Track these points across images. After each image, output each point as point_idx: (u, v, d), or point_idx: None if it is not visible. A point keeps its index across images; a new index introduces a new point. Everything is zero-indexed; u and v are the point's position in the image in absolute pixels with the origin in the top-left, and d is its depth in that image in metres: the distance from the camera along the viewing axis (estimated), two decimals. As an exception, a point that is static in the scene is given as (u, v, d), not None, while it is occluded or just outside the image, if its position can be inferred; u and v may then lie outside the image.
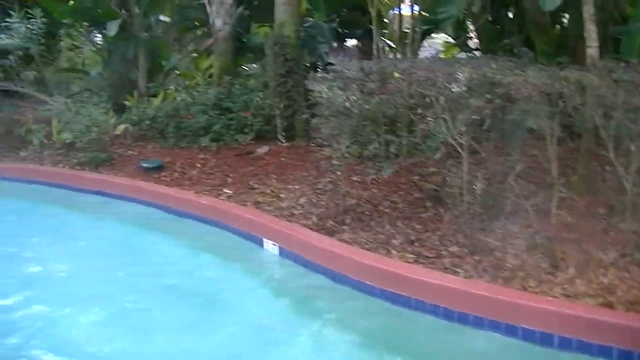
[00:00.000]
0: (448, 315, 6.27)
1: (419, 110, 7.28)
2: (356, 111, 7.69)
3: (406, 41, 10.48)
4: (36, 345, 6.16)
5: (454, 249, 7.18)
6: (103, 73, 15.03)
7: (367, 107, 7.67)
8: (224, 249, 8.47)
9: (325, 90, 8.18)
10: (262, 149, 11.27)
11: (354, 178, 9.37)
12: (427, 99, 7.09)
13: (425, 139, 7.20)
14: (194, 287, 7.40)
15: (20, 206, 10.97)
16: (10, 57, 12.96)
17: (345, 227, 8.01)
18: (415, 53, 9.69)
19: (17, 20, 13.26)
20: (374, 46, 9.86)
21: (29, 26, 13.21)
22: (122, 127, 13.06)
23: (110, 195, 10.98)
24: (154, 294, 7.24)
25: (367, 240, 7.55)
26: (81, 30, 15.79)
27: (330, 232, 7.92)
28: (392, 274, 6.72)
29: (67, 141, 12.76)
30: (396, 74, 7.58)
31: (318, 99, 8.29)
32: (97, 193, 11.17)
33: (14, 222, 10.12)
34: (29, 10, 13.83)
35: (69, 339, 6.30)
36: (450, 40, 14.54)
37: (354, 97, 7.82)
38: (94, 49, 15.93)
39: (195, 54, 14.62)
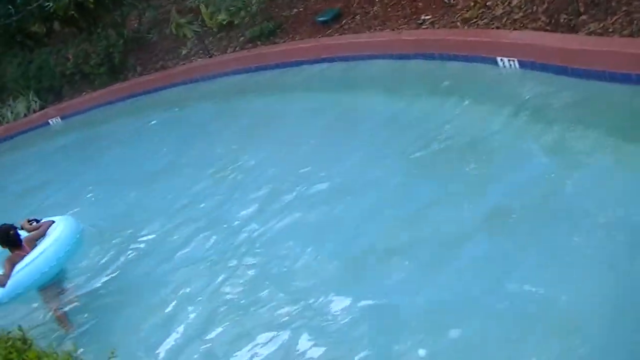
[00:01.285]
0: None
1: None
2: None
3: None
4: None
5: None
6: None
7: None
8: (458, 82, 8.18)
9: None
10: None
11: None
12: None
13: None
14: (451, 137, 7.11)
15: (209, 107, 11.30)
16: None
17: (585, 18, 7.53)
18: None
19: None
20: None
21: None
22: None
23: (296, 64, 10.93)
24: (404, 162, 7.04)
25: (621, 25, 7.05)
26: None
27: (571, 28, 7.50)
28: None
29: (224, 22, 12.74)
30: None
31: None
32: (280, 65, 11.13)
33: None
34: None
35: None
36: None
37: None
38: None
39: None
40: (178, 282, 6.64)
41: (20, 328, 4.09)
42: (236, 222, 7.24)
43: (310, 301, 5.51)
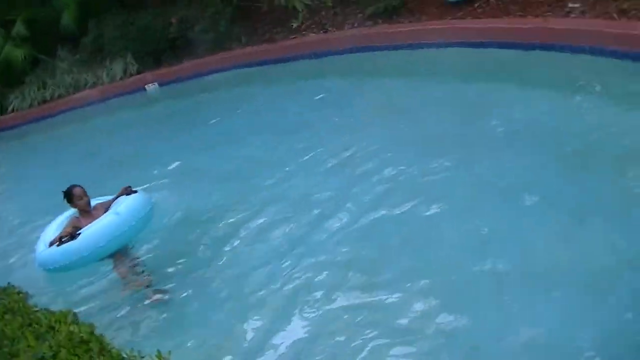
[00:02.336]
0: None
1: None
2: None
3: None
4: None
5: None
6: None
7: None
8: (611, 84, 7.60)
9: None
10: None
11: None
12: None
13: None
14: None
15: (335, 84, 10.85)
16: None
17: None
18: None
19: None
20: None
21: None
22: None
23: (422, 46, 10.47)
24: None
25: None
26: None
27: None
28: None
29: (340, -4, 12.38)
30: None
31: None
32: (407, 47, 10.70)
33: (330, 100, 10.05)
34: None
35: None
36: None
37: None
38: None
39: None
40: (259, 272, 6.10)
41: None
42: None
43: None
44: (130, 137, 12.31)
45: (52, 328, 3.86)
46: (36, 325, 3.96)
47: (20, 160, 13.75)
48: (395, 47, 10.78)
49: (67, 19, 15.82)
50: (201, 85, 13.44)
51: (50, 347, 3.57)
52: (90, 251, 6.77)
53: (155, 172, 9.49)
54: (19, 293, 4.75)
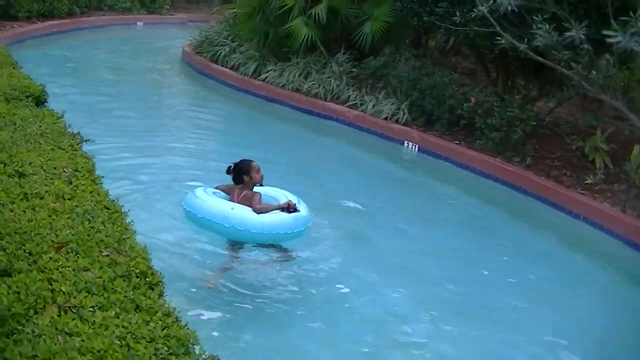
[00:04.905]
0: None
1: None
2: None
3: None
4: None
5: None
6: None
7: None
8: None
9: None
10: None
11: None
12: None
13: None
14: None
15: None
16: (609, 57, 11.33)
17: None
18: None
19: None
20: None
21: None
22: None
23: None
24: None
25: None
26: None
27: None
28: None
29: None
30: None
31: None
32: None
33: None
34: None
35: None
36: None
37: None
38: None
39: None
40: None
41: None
42: None
43: None
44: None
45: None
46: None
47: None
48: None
49: (369, 28, 15.42)
50: (461, 178, 12.70)
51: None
52: (304, 228, 7.75)
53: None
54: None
